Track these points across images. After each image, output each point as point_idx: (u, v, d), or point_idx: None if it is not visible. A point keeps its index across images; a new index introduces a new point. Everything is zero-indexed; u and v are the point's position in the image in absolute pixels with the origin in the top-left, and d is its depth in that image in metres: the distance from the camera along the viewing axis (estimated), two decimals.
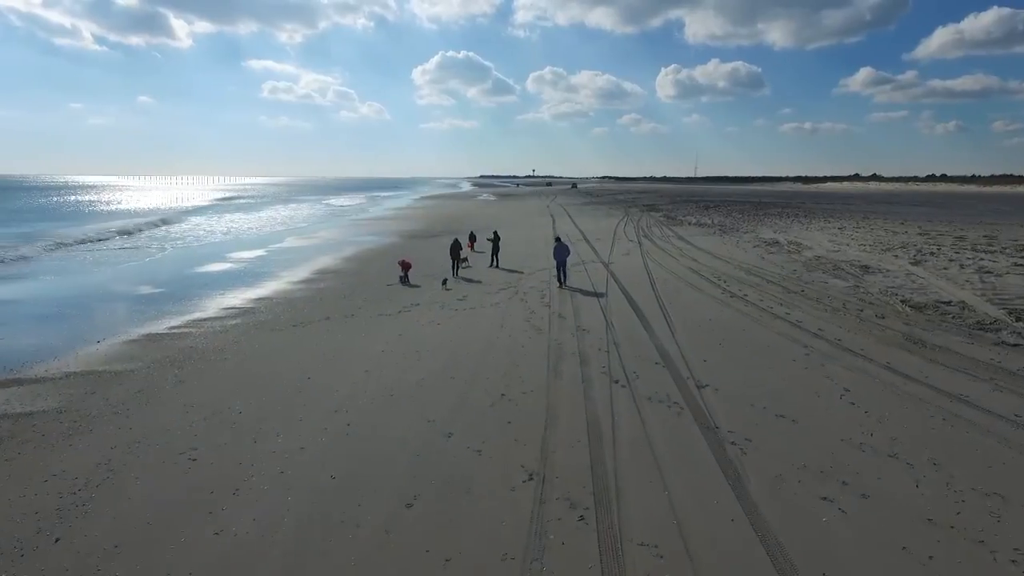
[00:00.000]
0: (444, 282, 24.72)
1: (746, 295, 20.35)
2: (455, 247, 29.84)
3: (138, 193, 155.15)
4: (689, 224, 48.51)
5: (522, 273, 27.37)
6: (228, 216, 73.09)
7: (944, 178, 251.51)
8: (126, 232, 50.44)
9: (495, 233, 32.44)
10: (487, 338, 16.54)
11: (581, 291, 22.73)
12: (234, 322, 19.92)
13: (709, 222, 49.81)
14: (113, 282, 28.08)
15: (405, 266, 26.90)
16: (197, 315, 21.03)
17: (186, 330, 18.97)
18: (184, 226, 58.16)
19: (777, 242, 34.51)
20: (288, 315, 20.70)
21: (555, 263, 24.21)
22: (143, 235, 49.40)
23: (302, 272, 30.17)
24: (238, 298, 23.94)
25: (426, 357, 15.05)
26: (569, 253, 24.17)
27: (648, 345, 15.15)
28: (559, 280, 23.98)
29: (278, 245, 42.47)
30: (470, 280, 27.00)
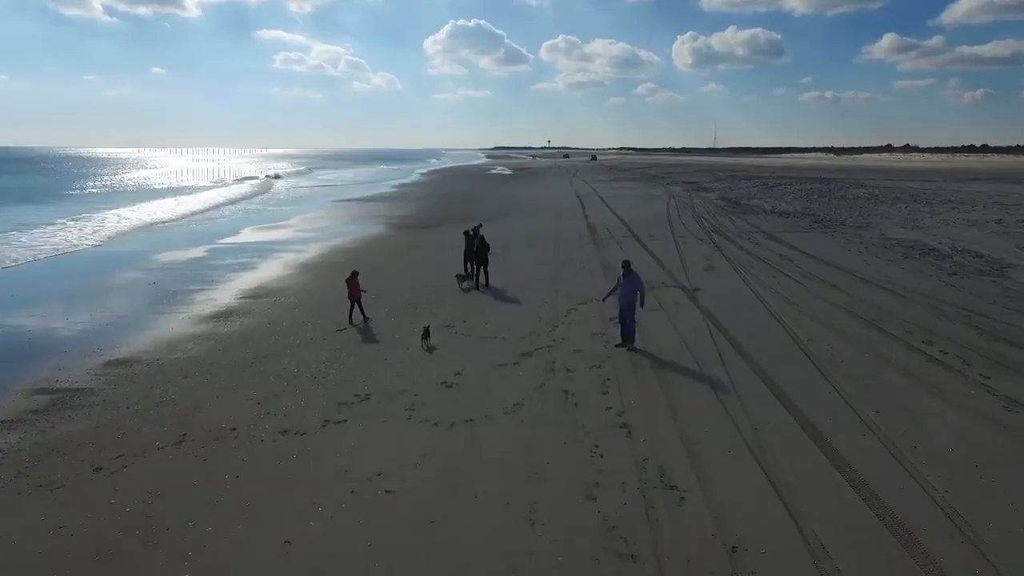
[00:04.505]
0: (425, 335, 14.41)
1: None
2: (469, 247, 20.41)
3: (176, 166, 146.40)
4: (764, 212, 37.49)
5: (551, 320, 16.96)
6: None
7: (986, 148, 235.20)
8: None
9: (480, 234, 20.47)
10: None
11: (672, 367, 12.31)
12: None
13: (791, 209, 38.68)
14: None
15: (353, 294, 16.57)
16: None
17: None
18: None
19: (933, 248, 23.67)
20: (116, 423, 10.71)
21: (617, 305, 13.71)
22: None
23: (227, 294, 20.11)
24: (83, 361, 13.94)
25: None
26: (643, 293, 13.57)
27: None
28: (624, 336, 13.55)
29: (228, 240, 32.34)
30: (473, 311, 16.68)
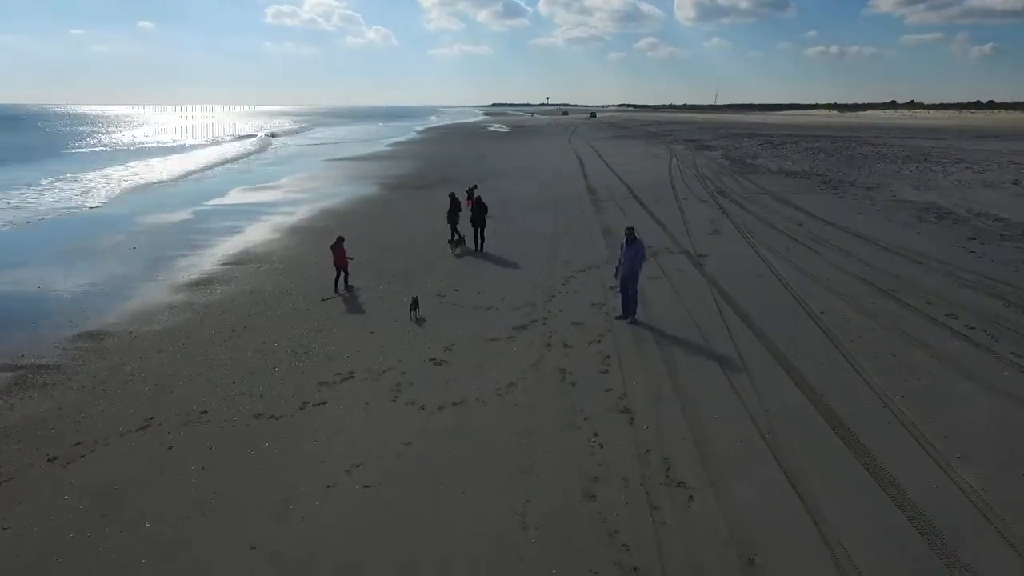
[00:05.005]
0: (414, 306, 13.57)
1: None
2: (454, 209, 19.72)
3: (169, 124, 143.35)
4: (770, 172, 36.26)
5: (548, 289, 16.14)
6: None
7: (992, 105, 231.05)
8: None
9: (476, 195, 19.85)
10: None
11: (677, 342, 11.49)
12: None
13: (797, 169, 37.40)
14: None
15: (339, 261, 15.77)
16: None
17: None
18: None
19: (950, 212, 22.65)
20: (80, 404, 10.03)
21: (618, 275, 12.79)
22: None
23: (209, 260, 19.22)
24: (52, 334, 13.20)
25: None
26: (644, 259, 12.71)
27: None
28: (625, 307, 12.72)
29: (216, 202, 31.21)
30: (465, 279, 15.83)
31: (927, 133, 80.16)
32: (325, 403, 9.79)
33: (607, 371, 10.32)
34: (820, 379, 9.59)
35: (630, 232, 12.45)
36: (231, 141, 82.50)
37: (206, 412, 9.64)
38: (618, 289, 13.03)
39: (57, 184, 38.07)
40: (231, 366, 11.37)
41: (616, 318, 12.71)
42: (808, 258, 16.93)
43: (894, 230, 20.04)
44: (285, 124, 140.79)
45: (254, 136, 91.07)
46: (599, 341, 11.62)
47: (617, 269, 12.73)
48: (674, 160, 44.96)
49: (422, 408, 9.43)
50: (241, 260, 19.12)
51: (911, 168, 36.50)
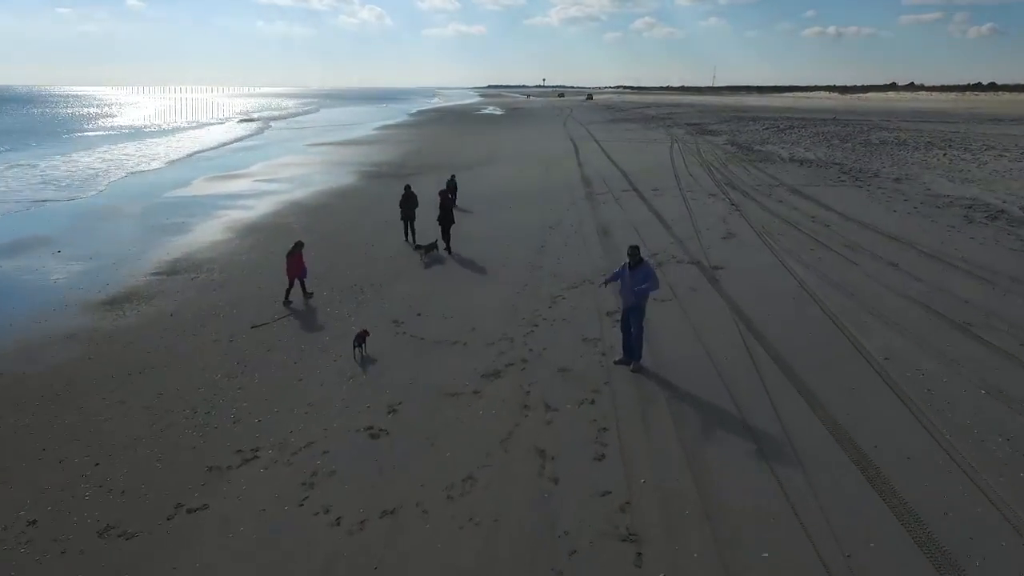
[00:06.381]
0: (359, 342, 10.66)
1: None
2: (408, 202, 18.20)
3: (158, 107, 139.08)
4: (782, 160, 33.09)
5: (531, 314, 13.28)
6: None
7: (994, 86, 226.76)
8: None
9: (442, 190, 18.32)
10: None
11: (697, 407, 8.60)
12: None
13: (812, 157, 34.22)
14: None
15: (293, 272, 13.20)
16: None
17: None
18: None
19: (1001, 210, 19.48)
20: None
21: (622, 306, 9.89)
22: None
23: (139, 267, 16.47)
24: None
25: None
26: (653, 288, 9.70)
27: None
28: (626, 350, 9.83)
29: (174, 193, 28.15)
30: (432, 297, 12.93)
31: (937, 116, 76.87)
32: (207, 507, 6.95)
33: (603, 456, 7.45)
34: (912, 484, 6.64)
35: (634, 252, 9.50)
36: (218, 124, 78.87)
37: (35, 523, 6.81)
38: (619, 322, 10.14)
39: (10, 172, 35.00)
40: (103, 434, 8.53)
41: (615, 362, 9.85)
42: (846, 272, 14.00)
43: (941, 233, 17.06)
44: (290, 106, 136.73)
45: (253, 120, 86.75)
46: (592, 401, 8.74)
47: (607, 282, 10.33)
48: (676, 146, 41.83)
49: (337, 522, 6.58)
50: (175, 268, 16.26)
51: (937, 155, 33.36)
